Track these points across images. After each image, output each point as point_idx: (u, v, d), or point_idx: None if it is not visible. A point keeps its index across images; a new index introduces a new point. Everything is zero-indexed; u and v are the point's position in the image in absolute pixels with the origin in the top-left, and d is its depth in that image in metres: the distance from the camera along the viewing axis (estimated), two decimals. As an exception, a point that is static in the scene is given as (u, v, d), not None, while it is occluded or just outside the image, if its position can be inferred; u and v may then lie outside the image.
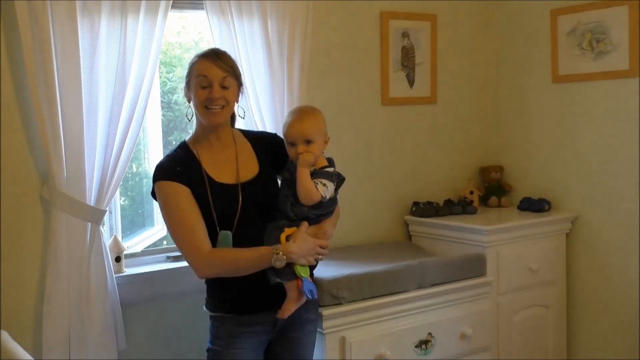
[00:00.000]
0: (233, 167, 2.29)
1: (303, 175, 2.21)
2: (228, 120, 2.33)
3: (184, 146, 2.31)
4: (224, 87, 2.21)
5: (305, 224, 2.24)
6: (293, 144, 2.26)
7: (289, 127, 2.27)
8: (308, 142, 2.24)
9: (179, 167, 2.22)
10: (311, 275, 2.29)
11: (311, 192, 2.21)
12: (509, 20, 3.88)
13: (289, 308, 2.24)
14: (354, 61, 3.51)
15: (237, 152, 2.32)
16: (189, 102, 2.30)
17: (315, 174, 2.26)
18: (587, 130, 3.53)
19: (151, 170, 3.22)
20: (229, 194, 2.24)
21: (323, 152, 2.33)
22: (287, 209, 2.25)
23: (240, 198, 2.23)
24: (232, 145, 2.33)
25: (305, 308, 2.32)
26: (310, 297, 2.22)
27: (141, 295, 2.94)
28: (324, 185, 2.24)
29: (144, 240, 3.16)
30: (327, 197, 2.25)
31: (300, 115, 2.28)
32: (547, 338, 3.52)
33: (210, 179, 2.24)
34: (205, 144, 2.29)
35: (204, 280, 2.33)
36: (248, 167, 2.31)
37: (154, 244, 3.20)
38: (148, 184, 3.30)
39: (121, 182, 2.80)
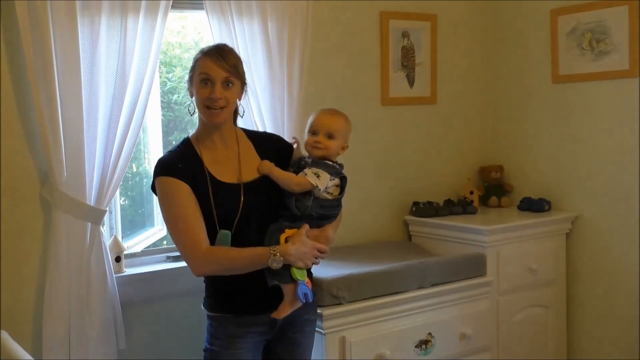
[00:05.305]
0: (235, 167, 2.27)
1: (275, 174, 2.24)
2: (230, 118, 2.30)
3: (187, 142, 2.28)
4: (226, 87, 2.19)
5: (305, 226, 2.22)
6: (315, 133, 2.29)
7: (318, 115, 2.33)
8: (330, 136, 2.29)
9: (180, 163, 2.20)
10: (309, 276, 2.27)
11: (291, 179, 2.23)
12: (509, 20, 3.88)
13: (285, 310, 2.23)
14: (354, 61, 3.51)
15: (240, 151, 2.30)
16: (192, 98, 2.27)
17: (313, 163, 2.26)
18: (587, 130, 3.53)
19: (151, 170, 3.23)
20: (231, 193, 2.22)
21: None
22: (291, 205, 2.23)
23: (242, 198, 2.21)
24: (235, 145, 2.31)
25: (305, 309, 2.31)
26: (304, 301, 2.20)
27: (141, 295, 2.94)
28: (315, 174, 2.22)
29: (144, 240, 3.16)
30: (322, 188, 2.22)
31: (333, 111, 2.37)
32: (547, 338, 3.52)
33: (212, 177, 2.22)
34: (208, 142, 2.27)
35: (203, 279, 2.31)
36: (250, 168, 2.29)
37: (154, 244, 3.20)
38: (148, 184, 3.29)
39: (121, 182, 2.80)
